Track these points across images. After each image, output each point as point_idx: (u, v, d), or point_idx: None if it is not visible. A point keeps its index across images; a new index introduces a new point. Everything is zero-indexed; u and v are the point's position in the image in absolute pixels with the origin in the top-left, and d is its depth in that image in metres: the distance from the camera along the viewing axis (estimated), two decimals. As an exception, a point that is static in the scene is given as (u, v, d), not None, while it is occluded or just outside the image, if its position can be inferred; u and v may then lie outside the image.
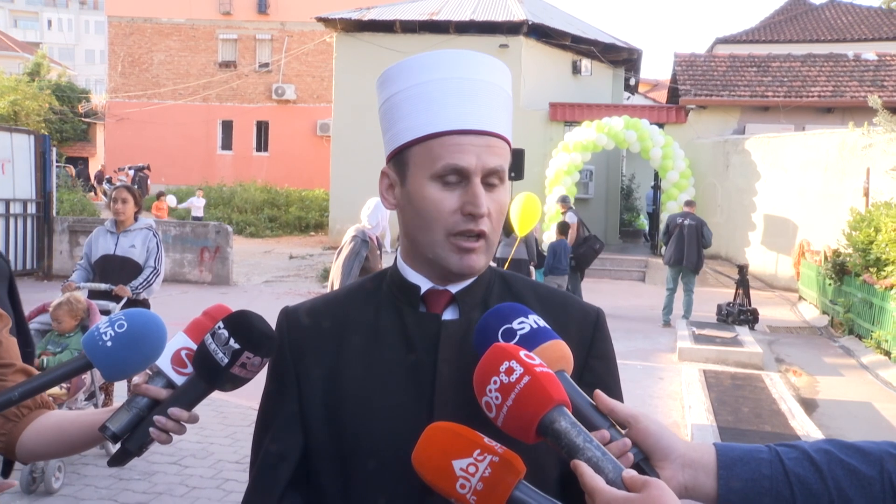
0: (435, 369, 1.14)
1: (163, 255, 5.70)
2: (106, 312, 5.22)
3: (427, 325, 1.17)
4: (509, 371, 0.95)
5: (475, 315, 1.15)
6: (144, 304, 5.58)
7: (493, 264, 1.25)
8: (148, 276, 5.52)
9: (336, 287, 6.19)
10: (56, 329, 5.00)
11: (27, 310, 5.17)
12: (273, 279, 15.15)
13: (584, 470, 0.91)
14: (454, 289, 1.19)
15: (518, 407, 0.94)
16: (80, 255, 5.82)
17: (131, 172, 28.45)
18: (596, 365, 1.19)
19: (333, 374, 1.18)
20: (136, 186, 6.29)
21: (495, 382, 0.95)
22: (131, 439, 1.21)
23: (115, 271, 5.48)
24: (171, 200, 22.15)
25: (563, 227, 10.98)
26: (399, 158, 1.17)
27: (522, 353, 0.97)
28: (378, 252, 6.31)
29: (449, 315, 1.19)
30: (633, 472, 0.92)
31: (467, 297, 1.19)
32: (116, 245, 5.56)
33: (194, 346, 1.21)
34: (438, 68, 1.15)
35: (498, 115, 1.15)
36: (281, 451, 1.19)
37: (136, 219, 5.67)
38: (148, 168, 28.31)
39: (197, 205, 21.96)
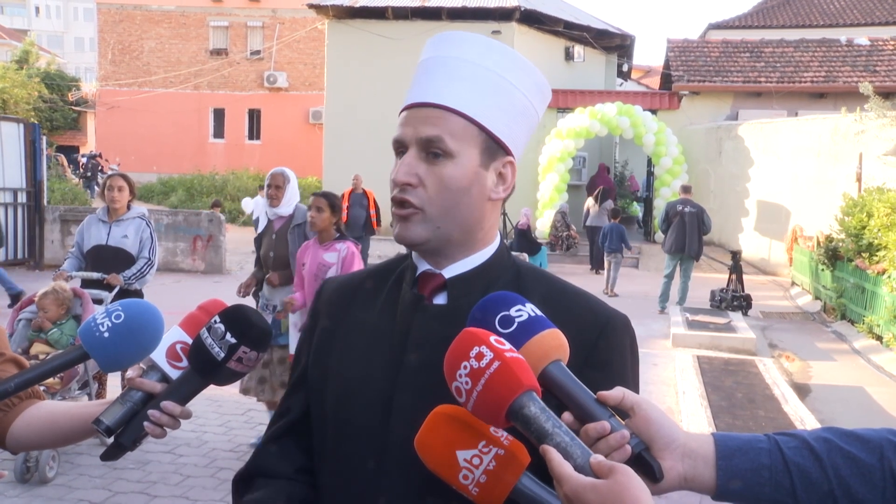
0: (405, 351, 1.15)
1: (157, 245, 5.61)
2: (98, 301, 5.19)
3: (412, 306, 1.18)
4: (479, 356, 0.93)
5: (464, 302, 1.14)
6: (137, 294, 5.52)
7: (524, 256, 1.25)
8: (142, 268, 5.42)
9: None
10: (42, 318, 4.95)
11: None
12: (266, 267, 15.09)
13: (553, 456, 0.91)
14: (448, 273, 1.18)
15: (488, 392, 0.92)
16: (72, 243, 5.73)
17: (83, 160, 28.54)
18: (593, 375, 1.05)
19: (330, 343, 1.24)
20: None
21: (465, 367, 0.94)
22: (125, 433, 1.20)
23: (107, 262, 5.37)
24: (246, 206, 17.12)
25: (616, 212, 13.21)
26: None
27: (492, 338, 0.95)
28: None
29: (440, 300, 1.18)
30: (601, 458, 0.91)
31: (460, 284, 1.18)
32: (109, 235, 5.43)
33: (189, 340, 1.21)
34: (431, 49, 1.19)
35: (455, 88, 1.14)
36: (288, 405, 1.29)
37: (128, 207, 5.55)
38: (100, 155, 28.70)
39: (260, 204, 18.25)
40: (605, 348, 1.13)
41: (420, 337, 1.16)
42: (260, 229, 5.56)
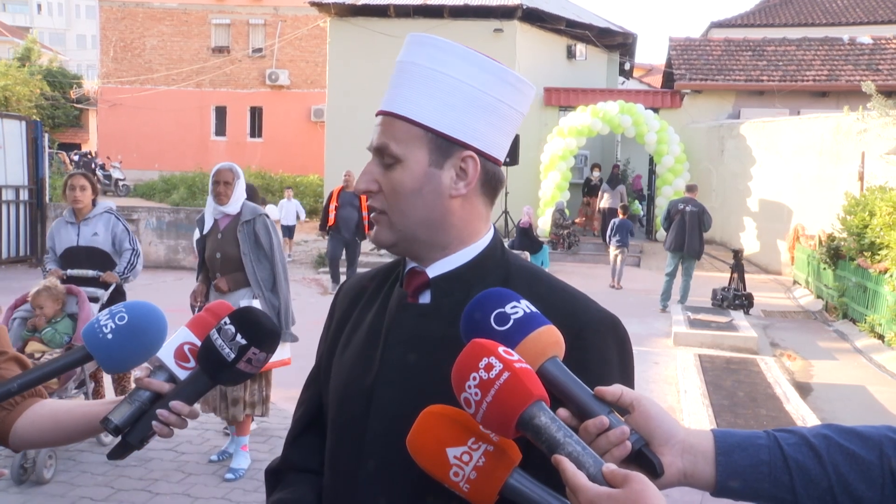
0: (386, 348, 1.17)
1: (134, 234, 5.44)
2: (94, 299, 5.15)
3: (396, 304, 1.20)
4: (489, 367, 0.93)
5: (447, 301, 1.15)
6: (119, 290, 5.38)
7: (526, 254, 1.25)
8: (130, 259, 5.31)
9: None
10: (39, 315, 4.91)
11: (12, 298, 5.12)
12: (268, 265, 15.06)
13: (566, 466, 0.90)
14: (432, 272, 1.19)
15: (498, 403, 0.92)
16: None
17: (76, 157, 29.04)
18: None
19: (336, 340, 1.28)
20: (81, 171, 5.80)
21: (474, 379, 0.94)
22: (133, 432, 1.22)
23: (81, 262, 5.24)
24: (271, 212, 17.87)
25: (625, 209, 14.15)
26: None
27: (501, 348, 0.95)
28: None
29: (426, 298, 1.19)
30: (614, 466, 0.91)
31: (443, 283, 1.18)
32: (79, 235, 5.27)
33: (197, 342, 1.23)
34: (402, 52, 1.20)
35: (408, 95, 1.14)
36: (304, 398, 1.35)
37: (93, 204, 5.35)
38: (90, 153, 29.78)
39: (288, 209, 15.57)
40: (581, 349, 1.08)
41: (400, 335, 1.17)
42: (206, 230, 5.10)
